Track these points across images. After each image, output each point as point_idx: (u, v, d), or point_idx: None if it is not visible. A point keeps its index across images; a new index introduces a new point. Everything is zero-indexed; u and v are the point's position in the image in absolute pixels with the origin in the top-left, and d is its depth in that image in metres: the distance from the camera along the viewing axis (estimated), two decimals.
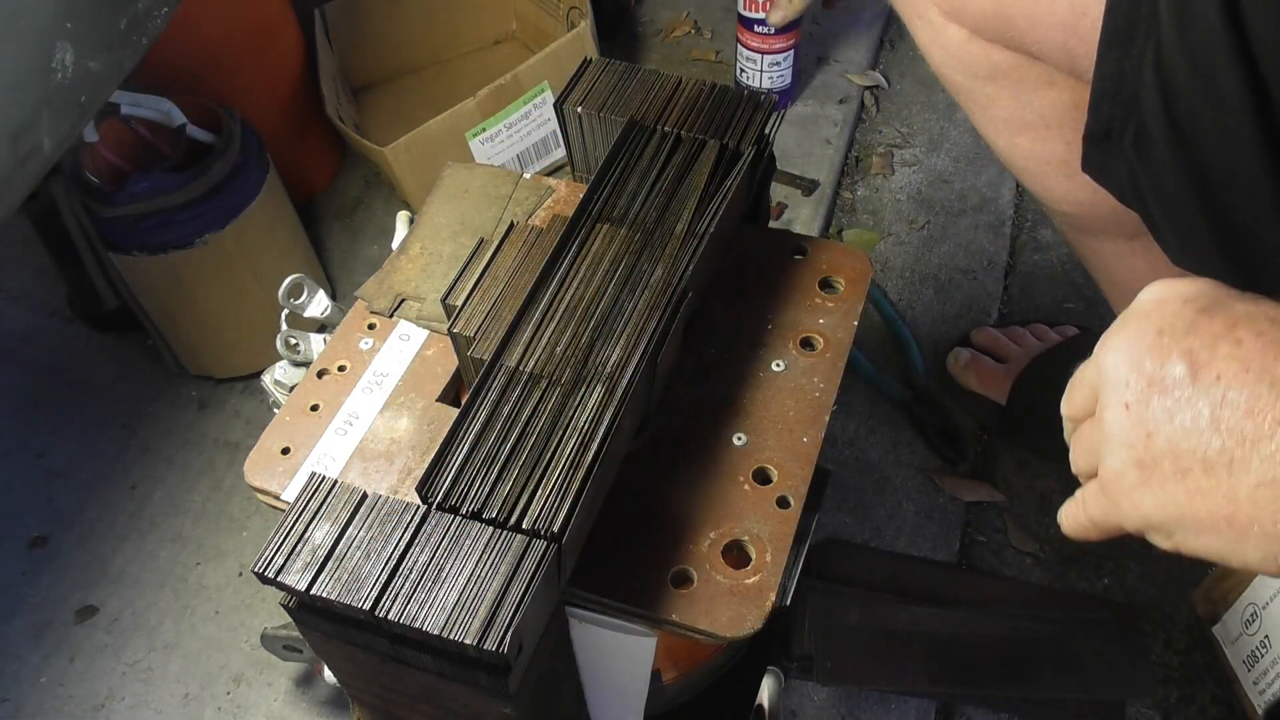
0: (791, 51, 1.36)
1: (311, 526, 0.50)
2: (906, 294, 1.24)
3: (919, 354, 1.16)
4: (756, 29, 1.32)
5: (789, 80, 1.39)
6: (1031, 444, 1.08)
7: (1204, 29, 0.55)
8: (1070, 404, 0.50)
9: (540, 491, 0.51)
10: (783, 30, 1.31)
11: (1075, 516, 0.50)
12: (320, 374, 0.66)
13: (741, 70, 1.39)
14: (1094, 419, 0.47)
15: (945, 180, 1.35)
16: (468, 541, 0.49)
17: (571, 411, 0.54)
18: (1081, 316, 1.19)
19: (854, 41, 1.51)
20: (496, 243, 0.63)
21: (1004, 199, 1.32)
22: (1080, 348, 1.09)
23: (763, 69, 1.37)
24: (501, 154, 1.30)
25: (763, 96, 0.68)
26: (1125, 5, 0.60)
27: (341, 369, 0.66)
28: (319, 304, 0.75)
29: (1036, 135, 0.78)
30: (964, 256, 1.26)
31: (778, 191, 1.31)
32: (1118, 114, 0.63)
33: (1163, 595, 0.97)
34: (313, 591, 0.48)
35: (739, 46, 1.36)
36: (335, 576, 0.48)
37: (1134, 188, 0.66)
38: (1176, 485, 0.43)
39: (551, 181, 0.75)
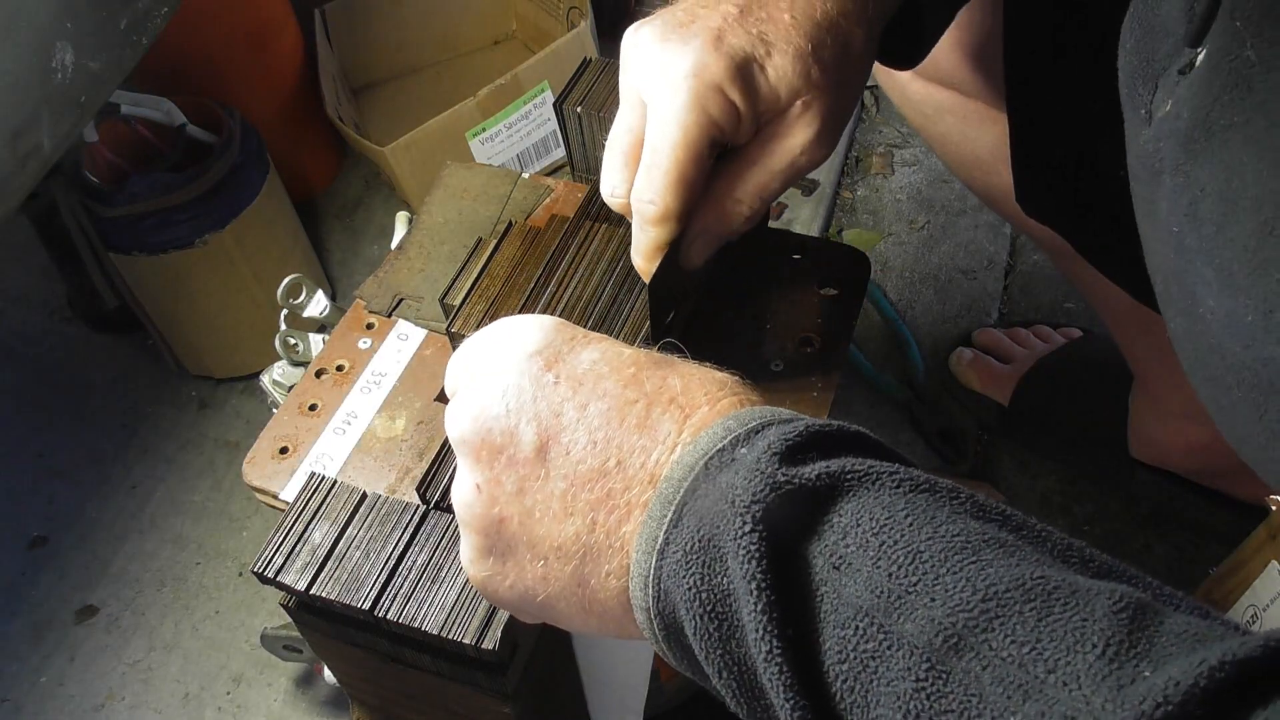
0: None
1: (311, 526, 0.50)
2: (906, 294, 1.24)
3: (919, 354, 1.16)
4: None
5: None
6: (1034, 444, 1.08)
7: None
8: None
9: None
10: None
11: None
12: (319, 374, 0.66)
13: None
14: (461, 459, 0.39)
15: (945, 180, 1.35)
16: None
17: None
18: (1081, 316, 1.19)
19: None
20: (495, 242, 0.63)
21: None
22: (1084, 349, 1.09)
23: None
24: (501, 154, 1.30)
25: None
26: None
27: (340, 368, 0.66)
28: (318, 304, 0.75)
29: (987, 170, 0.79)
30: (964, 256, 1.26)
31: None
32: (1035, 155, 0.64)
33: None
34: (312, 591, 0.48)
35: None
36: (335, 576, 0.48)
37: (1067, 225, 0.67)
38: (532, 572, 0.38)
39: (550, 181, 0.75)
